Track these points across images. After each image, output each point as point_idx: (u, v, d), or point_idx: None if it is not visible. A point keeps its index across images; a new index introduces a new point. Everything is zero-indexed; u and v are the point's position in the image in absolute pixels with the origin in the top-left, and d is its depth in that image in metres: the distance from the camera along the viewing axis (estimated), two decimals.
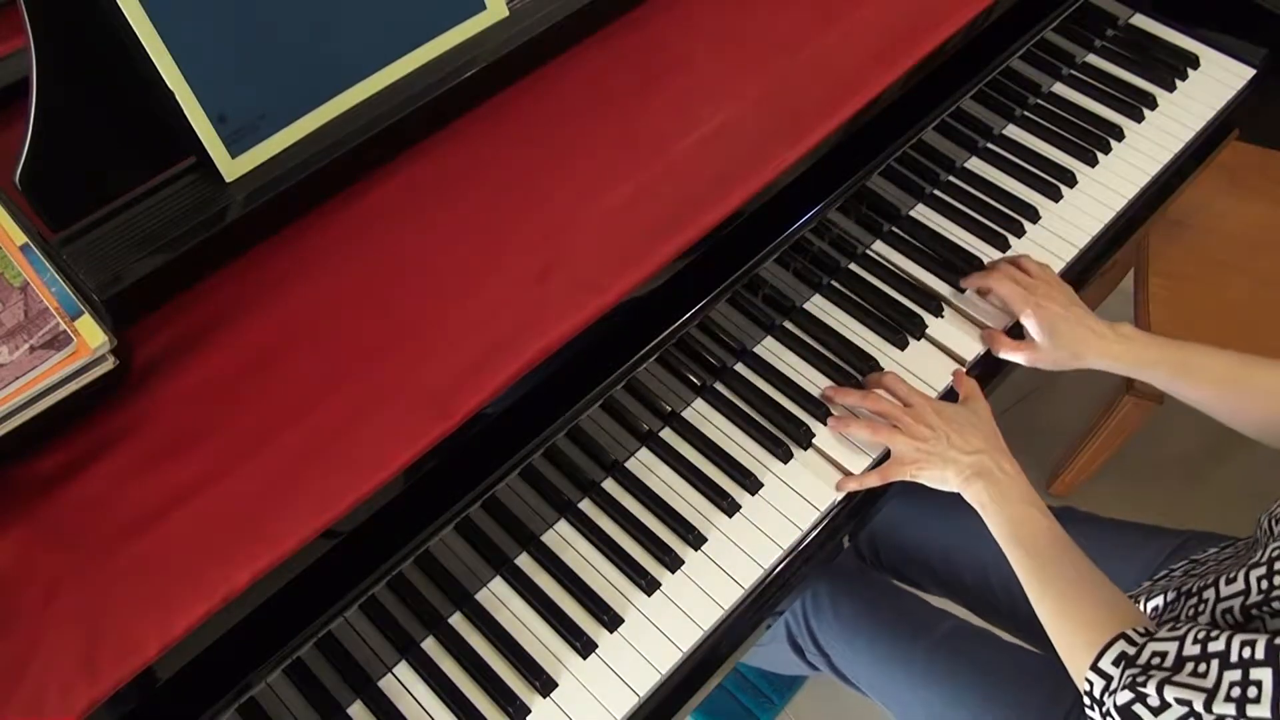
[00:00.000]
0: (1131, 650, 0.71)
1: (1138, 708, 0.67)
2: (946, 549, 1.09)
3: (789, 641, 1.11)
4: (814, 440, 0.95)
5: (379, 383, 0.73)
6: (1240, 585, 0.74)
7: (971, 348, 1.01)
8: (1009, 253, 1.08)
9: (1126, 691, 0.68)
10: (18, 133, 0.69)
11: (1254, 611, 0.71)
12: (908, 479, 0.90)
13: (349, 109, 0.81)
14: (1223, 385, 0.89)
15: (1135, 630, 0.72)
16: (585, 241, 0.80)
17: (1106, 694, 0.70)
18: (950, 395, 0.99)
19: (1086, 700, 0.73)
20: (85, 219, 0.75)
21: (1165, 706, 0.65)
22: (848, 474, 0.93)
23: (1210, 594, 0.77)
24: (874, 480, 0.91)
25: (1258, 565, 0.73)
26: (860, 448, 0.94)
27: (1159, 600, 0.86)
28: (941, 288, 1.05)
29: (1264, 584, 0.71)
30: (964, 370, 0.99)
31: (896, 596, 1.07)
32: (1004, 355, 0.99)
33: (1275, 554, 0.72)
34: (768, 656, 1.19)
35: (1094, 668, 0.72)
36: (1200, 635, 0.67)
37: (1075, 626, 0.76)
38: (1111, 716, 0.69)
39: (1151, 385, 0.94)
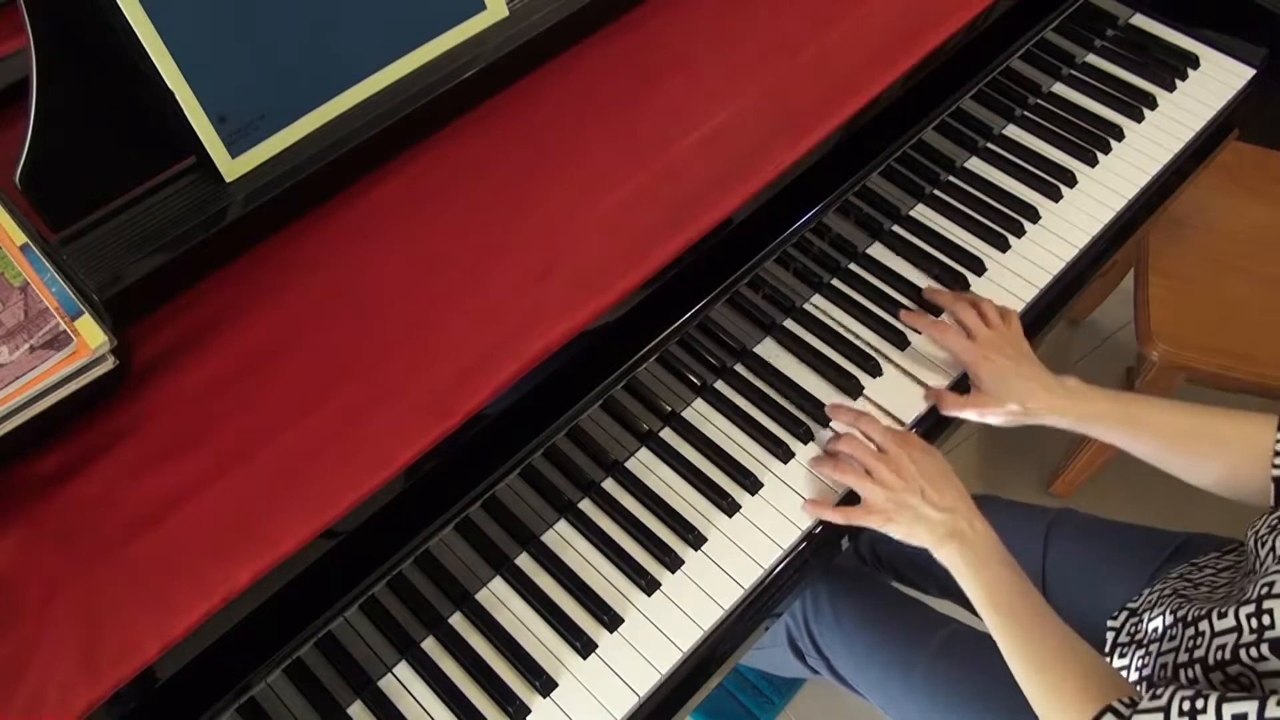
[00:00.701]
0: None
1: None
2: None
3: (789, 645, 1.11)
4: (814, 440, 0.95)
5: (379, 382, 0.73)
6: (1231, 622, 0.72)
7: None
8: (1008, 253, 1.08)
9: None
10: (18, 133, 0.69)
11: (1249, 653, 0.70)
12: (874, 528, 0.88)
13: (349, 109, 0.81)
14: (1174, 439, 0.88)
15: (1121, 702, 0.71)
16: (585, 241, 0.80)
17: None
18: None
19: None
20: (85, 219, 0.75)
21: None
22: (822, 498, 0.92)
23: (1206, 626, 0.76)
24: (837, 518, 0.89)
25: (1247, 602, 0.72)
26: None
27: (1158, 623, 0.85)
28: (941, 288, 1.05)
29: (1254, 622, 0.70)
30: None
31: (897, 601, 1.06)
32: (951, 412, 0.96)
33: (1264, 591, 0.71)
34: (768, 659, 1.19)
35: None
36: (1186, 705, 0.65)
37: (1061, 701, 0.74)
38: None
39: (1116, 446, 0.92)
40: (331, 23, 0.78)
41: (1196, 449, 0.87)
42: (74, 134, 0.71)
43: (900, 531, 0.87)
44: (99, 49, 0.70)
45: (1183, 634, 0.79)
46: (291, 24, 0.76)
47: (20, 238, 0.70)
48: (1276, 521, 0.78)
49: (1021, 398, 0.92)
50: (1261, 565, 0.76)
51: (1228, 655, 0.72)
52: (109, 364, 0.69)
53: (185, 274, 0.77)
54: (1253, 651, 0.69)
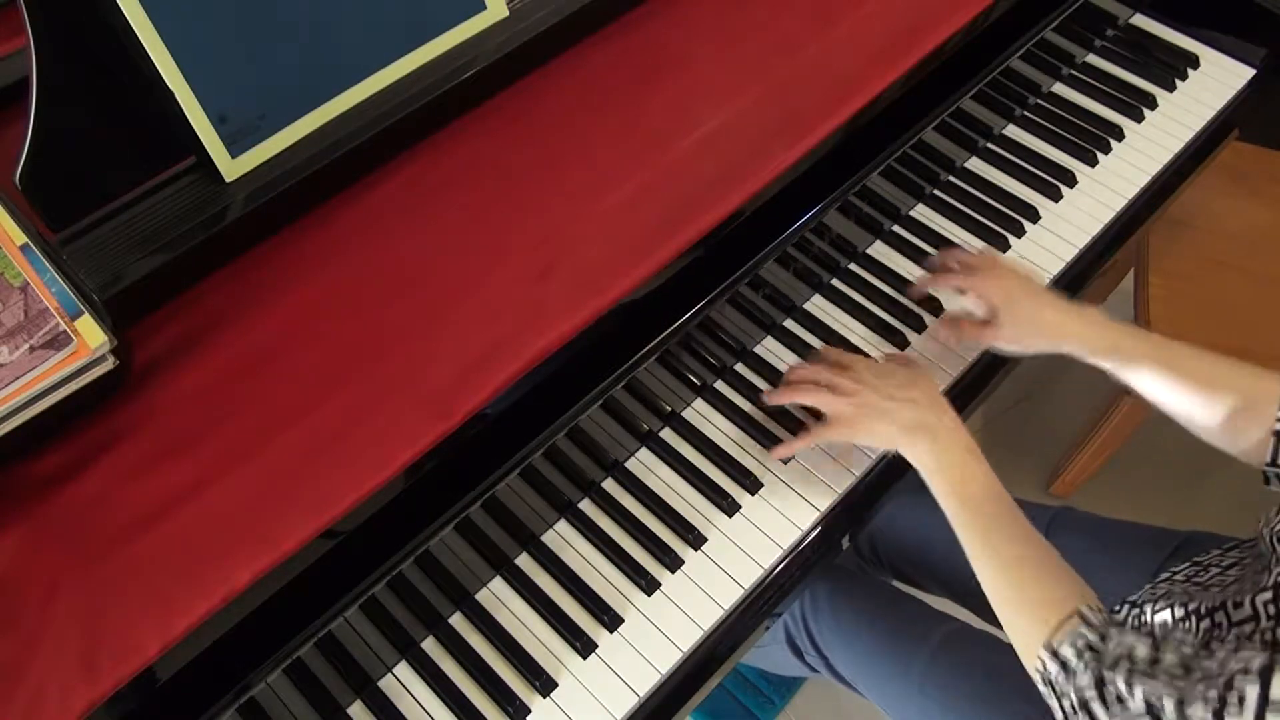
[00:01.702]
0: (1090, 634, 0.68)
1: (1092, 700, 0.65)
2: (947, 548, 1.09)
3: (788, 643, 1.11)
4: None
5: (379, 382, 0.73)
6: (1248, 611, 0.71)
7: (972, 347, 1.01)
8: (1009, 253, 1.08)
9: (1088, 675, 0.66)
10: (18, 133, 0.69)
11: (1264, 638, 0.69)
12: (842, 440, 0.87)
13: (349, 109, 0.81)
14: (1193, 380, 0.85)
15: (1089, 607, 0.70)
16: (585, 241, 0.80)
17: (1064, 678, 0.68)
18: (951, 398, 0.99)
19: (1038, 680, 0.71)
20: (85, 219, 0.75)
21: (1122, 701, 0.63)
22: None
23: (1222, 618, 0.74)
24: (800, 443, 0.89)
25: (1264, 590, 0.71)
26: (860, 449, 0.94)
27: (1166, 615, 0.84)
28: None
29: (1271, 609, 0.69)
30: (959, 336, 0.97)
31: (896, 599, 1.06)
32: (965, 334, 0.96)
33: None
34: (767, 657, 1.19)
35: (1047, 647, 0.70)
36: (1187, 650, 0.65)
37: (1025, 600, 0.73)
38: (1068, 699, 0.67)
39: (1127, 383, 0.89)
40: (332, 23, 0.78)
41: (1212, 394, 0.84)
42: (74, 134, 0.71)
43: (865, 434, 0.86)
44: (99, 49, 0.70)
45: (1198, 625, 0.79)
46: (292, 24, 0.76)
47: (20, 238, 0.70)
48: None
49: (1031, 317, 0.90)
50: (1276, 557, 0.75)
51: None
52: (109, 364, 0.69)
53: (185, 274, 0.77)
54: (1268, 636, 0.69)
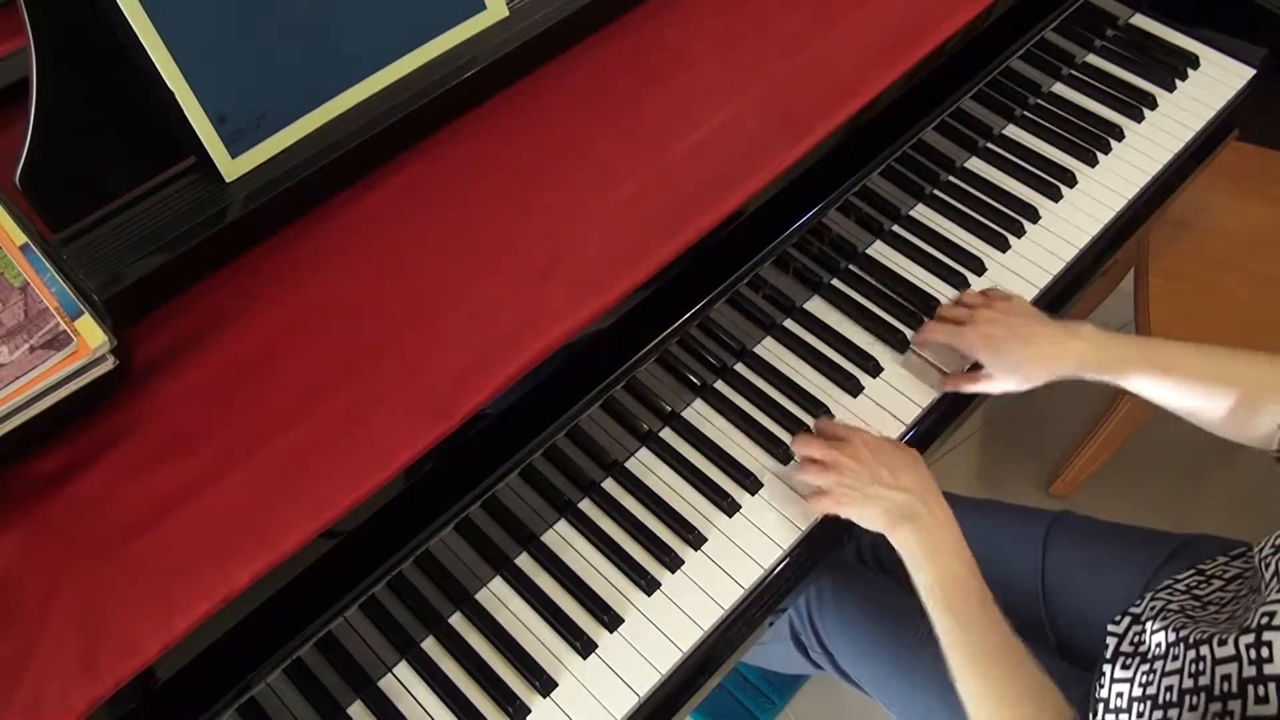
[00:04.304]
0: None
1: None
2: None
3: (792, 639, 1.11)
4: None
5: (379, 383, 0.73)
6: (1230, 650, 0.71)
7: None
8: (1008, 253, 1.08)
9: None
10: (18, 133, 0.69)
11: (1256, 690, 0.68)
12: (828, 512, 0.88)
13: (349, 109, 0.81)
14: (1197, 380, 0.86)
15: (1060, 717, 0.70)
16: (586, 241, 0.80)
17: None
18: (941, 406, 0.99)
19: None
20: (85, 219, 0.75)
21: None
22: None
23: (1207, 651, 0.74)
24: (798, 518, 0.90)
25: (1248, 631, 0.70)
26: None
27: (1161, 638, 0.83)
28: (941, 288, 1.05)
29: (1252, 653, 0.69)
30: (956, 372, 0.97)
31: (901, 596, 1.06)
32: (964, 390, 0.97)
33: (1264, 620, 0.69)
34: (770, 655, 1.19)
35: None
36: None
37: (1000, 711, 0.74)
38: None
39: (1134, 392, 0.90)
40: (332, 22, 0.78)
41: (1217, 390, 0.85)
42: (74, 134, 0.71)
43: (853, 512, 0.87)
44: (99, 49, 0.70)
45: (1185, 655, 0.78)
46: (292, 24, 0.76)
47: (20, 238, 0.70)
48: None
49: (1025, 354, 0.90)
50: (1266, 588, 0.75)
51: (1234, 688, 0.70)
52: (109, 364, 0.69)
53: (185, 274, 0.77)
54: (1259, 689, 0.68)
